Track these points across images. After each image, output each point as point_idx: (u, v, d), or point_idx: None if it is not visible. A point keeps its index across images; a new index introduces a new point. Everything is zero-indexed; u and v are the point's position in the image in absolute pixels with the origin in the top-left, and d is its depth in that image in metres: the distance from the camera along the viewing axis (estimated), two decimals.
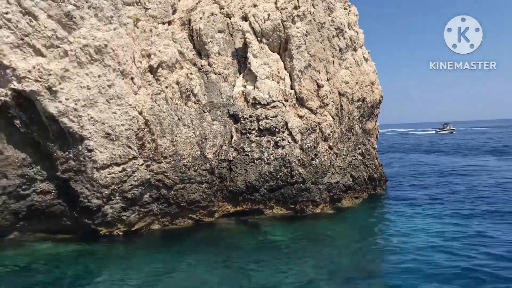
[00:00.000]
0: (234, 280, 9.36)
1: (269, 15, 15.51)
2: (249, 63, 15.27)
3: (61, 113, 11.57)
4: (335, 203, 15.41)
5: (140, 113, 12.66)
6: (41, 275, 9.81)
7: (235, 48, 16.05)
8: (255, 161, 14.40)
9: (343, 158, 16.16)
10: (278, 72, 15.44)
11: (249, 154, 14.43)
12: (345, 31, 17.51)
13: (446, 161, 33.93)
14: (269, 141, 14.64)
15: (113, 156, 12.09)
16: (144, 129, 12.68)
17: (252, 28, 15.50)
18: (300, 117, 15.20)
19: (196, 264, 10.36)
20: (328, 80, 16.25)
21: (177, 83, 14.07)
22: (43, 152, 12.24)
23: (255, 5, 16.12)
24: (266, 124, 14.65)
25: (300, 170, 14.45)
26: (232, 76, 15.60)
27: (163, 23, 14.65)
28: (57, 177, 12.20)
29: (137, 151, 12.51)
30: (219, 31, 15.74)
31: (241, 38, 15.94)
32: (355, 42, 18.09)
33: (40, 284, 9.28)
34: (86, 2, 12.24)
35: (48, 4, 11.70)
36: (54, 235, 12.62)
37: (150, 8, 14.25)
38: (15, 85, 11.40)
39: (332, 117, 15.93)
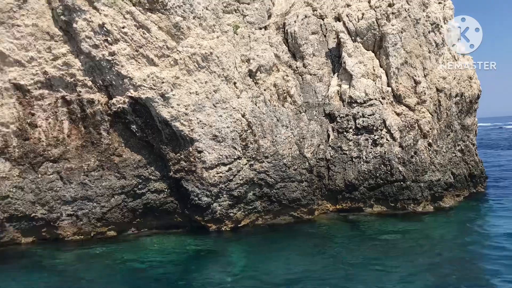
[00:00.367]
0: (333, 273, 9.56)
1: (363, 14, 15.58)
2: (344, 62, 15.44)
3: (174, 118, 12.50)
4: (436, 201, 15.09)
5: (243, 115, 13.32)
6: (171, 267, 10.66)
7: (328, 49, 16.30)
8: (354, 159, 14.54)
9: (442, 155, 15.78)
10: (374, 70, 15.45)
11: (347, 152, 14.61)
12: (441, 26, 17.08)
13: None
14: (367, 139, 14.72)
15: (220, 157, 12.84)
16: (247, 130, 13.32)
17: (346, 27, 15.65)
18: (398, 114, 15.10)
19: (296, 259, 10.73)
20: (425, 76, 15.96)
21: (275, 85, 14.59)
22: (156, 154, 13.27)
23: (348, 5, 16.24)
24: (363, 122, 14.75)
25: (400, 168, 14.37)
26: (327, 76, 15.86)
27: (260, 29, 15.23)
28: (170, 177, 13.17)
29: (241, 151, 13.17)
30: (313, 33, 16.05)
31: (335, 38, 16.17)
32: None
33: (169, 276, 10.10)
34: (192, 13, 13.09)
35: (158, 17, 12.68)
36: (166, 230, 13.64)
37: (247, 15, 14.88)
38: (132, 93, 12.48)
39: (431, 114, 15.63)
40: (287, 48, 15.78)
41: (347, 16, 15.73)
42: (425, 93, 15.57)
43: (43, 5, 12.61)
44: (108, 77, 12.52)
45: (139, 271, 10.46)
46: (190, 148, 12.74)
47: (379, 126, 14.77)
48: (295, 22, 15.81)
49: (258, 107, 13.84)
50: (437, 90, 16.28)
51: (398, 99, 15.32)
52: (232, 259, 11.05)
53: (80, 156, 12.85)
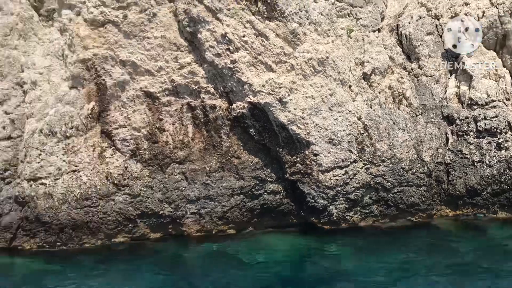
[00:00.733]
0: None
1: (483, 12, 14.87)
2: (463, 63, 14.82)
3: (290, 122, 12.87)
4: None
5: (359, 118, 13.33)
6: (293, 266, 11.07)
7: (444, 49, 15.73)
8: (475, 163, 13.89)
9: None
10: (496, 71, 14.67)
11: (468, 156, 13.99)
12: None
13: None
14: (489, 142, 13.98)
15: (336, 160, 12.96)
16: (363, 133, 13.30)
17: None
18: None
19: (410, 267, 10.63)
20: None
21: (389, 87, 14.40)
22: (272, 156, 13.73)
23: (466, 4, 15.54)
24: (485, 125, 14.02)
25: None
26: (444, 78, 15.29)
27: (373, 31, 15.13)
28: (285, 179, 13.55)
29: (357, 154, 13.19)
30: (428, 34, 15.57)
31: None
32: None
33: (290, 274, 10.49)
34: (307, 19, 13.36)
35: (276, 25, 13.13)
36: (280, 229, 14.05)
37: (361, 18, 14.84)
38: (251, 98, 13.05)
39: None
40: (401, 50, 15.47)
41: (465, 15, 15.11)
42: None
43: (170, 18, 13.62)
44: (229, 83, 13.23)
45: (258, 269, 10.96)
46: (306, 151, 13.01)
47: (503, 129, 13.96)
48: (409, 23, 15.46)
49: (374, 110, 13.76)
50: None
51: None
52: (345, 260, 11.20)
53: (203, 158, 13.70)
